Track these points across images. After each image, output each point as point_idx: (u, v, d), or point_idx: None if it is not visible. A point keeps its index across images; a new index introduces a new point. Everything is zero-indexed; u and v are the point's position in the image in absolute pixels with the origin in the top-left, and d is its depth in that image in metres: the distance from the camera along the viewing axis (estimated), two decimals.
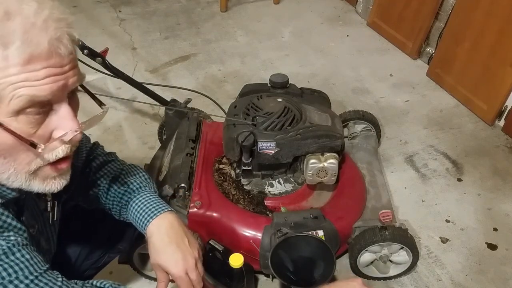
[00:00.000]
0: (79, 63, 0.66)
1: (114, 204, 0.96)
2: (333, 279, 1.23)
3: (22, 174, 0.64)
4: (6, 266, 0.64)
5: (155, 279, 1.37)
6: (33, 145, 0.61)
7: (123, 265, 1.33)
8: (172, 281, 0.90)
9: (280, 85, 1.46)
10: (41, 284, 0.66)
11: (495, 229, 1.60)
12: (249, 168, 1.36)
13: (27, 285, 0.65)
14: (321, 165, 1.28)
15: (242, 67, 2.46)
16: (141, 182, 0.96)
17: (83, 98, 0.70)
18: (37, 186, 0.67)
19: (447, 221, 1.63)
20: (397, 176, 1.80)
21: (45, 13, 0.58)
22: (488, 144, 1.97)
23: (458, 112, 2.15)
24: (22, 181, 0.65)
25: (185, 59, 2.51)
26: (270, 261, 1.07)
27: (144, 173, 1.00)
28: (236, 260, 1.10)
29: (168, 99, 1.65)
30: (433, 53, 2.40)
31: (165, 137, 1.75)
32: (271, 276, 1.36)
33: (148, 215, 0.90)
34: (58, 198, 0.87)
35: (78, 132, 0.64)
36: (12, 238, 0.66)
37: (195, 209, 1.24)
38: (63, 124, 0.63)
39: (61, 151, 0.66)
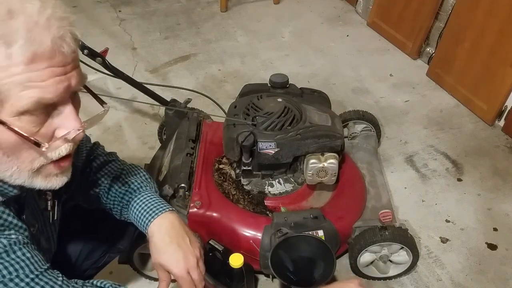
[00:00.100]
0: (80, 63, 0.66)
1: (115, 204, 0.96)
2: (333, 279, 1.23)
3: (25, 172, 0.65)
4: (6, 264, 0.64)
5: (155, 279, 1.38)
6: (37, 144, 0.61)
7: (123, 265, 1.33)
8: (174, 280, 0.90)
9: (280, 85, 1.46)
10: (42, 283, 0.66)
11: (495, 229, 1.60)
12: (249, 168, 1.36)
13: (27, 283, 0.65)
14: (321, 165, 1.28)
15: (242, 67, 2.46)
16: (142, 182, 0.96)
17: (84, 98, 0.70)
18: (39, 183, 0.68)
19: (447, 221, 1.63)
20: (397, 176, 1.80)
21: (48, 12, 0.58)
22: (488, 144, 1.97)
23: (458, 112, 2.15)
24: (25, 179, 0.66)
25: (185, 59, 2.51)
26: (270, 261, 1.07)
27: (145, 173, 1.00)
28: (236, 260, 1.10)
29: (168, 99, 1.65)
30: (433, 53, 2.40)
31: (165, 137, 1.75)
32: (271, 276, 1.36)
33: (149, 215, 0.90)
34: (58, 198, 0.87)
35: (81, 131, 0.65)
36: (13, 236, 0.67)
37: (195, 209, 1.24)
38: (66, 123, 0.64)
39: (64, 149, 0.66)
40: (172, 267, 0.87)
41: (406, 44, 2.53)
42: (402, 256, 1.37)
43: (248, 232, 1.25)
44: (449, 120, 2.10)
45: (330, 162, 1.28)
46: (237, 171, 1.40)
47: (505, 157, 1.90)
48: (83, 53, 1.37)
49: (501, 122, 2.05)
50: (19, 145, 0.61)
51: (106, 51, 1.48)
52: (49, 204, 0.84)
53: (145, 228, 0.90)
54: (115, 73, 1.52)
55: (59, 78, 0.59)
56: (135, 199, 0.93)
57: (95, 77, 1.81)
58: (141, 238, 1.09)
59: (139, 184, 0.96)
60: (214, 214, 1.25)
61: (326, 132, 1.29)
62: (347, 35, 2.76)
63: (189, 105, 1.63)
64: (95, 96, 0.74)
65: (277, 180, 1.39)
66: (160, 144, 1.72)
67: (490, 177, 1.80)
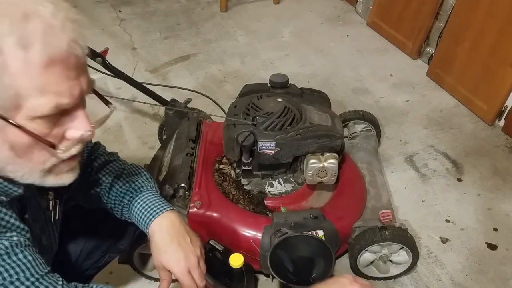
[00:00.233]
0: None
1: (116, 204, 0.96)
2: None
3: (36, 172, 0.65)
4: (8, 267, 0.64)
5: (155, 279, 1.38)
6: (53, 146, 0.62)
7: (123, 265, 1.33)
8: (175, 280, 0.90)
9: (280, 85, 1.46)
10: (42, 287, 0.66)
11: (495, 229, 1.60)
12: (249, 168, 1.36)
13: (27, 287, 0.65)
14: (321, 165, 1.28)
15: (242, 67, 2.46)
16: (142, 182, 0.97)
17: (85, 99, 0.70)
18: (50, 181, 0.68)
19: (447, 221, 1.63)
20: (397, 176, 1.81)
21: (62, 15, 0.58)
22: (488, 144, 1.97)
23: (458, 112, 2.16)
24: (36, 178, 0.66)
25: (185, 59, 2.51)
26: (269, 261, 1.07)
27: (145, 173, 1.00)
28: (236, 260, 1.09)
29: (168, 99, 1.65)
30: (433, 53, 2.40)
31: (165, 137, 1.75)
32: (271, 276, 1.35)
33: (150, 214, 0.90)
34: (60, 197, 0.87)
35: (92, 132, 0.66)
36: (14, 238, 0.67)
37: (195, 209, 1.24)
38: (78, 125, 0.65)
39: (74, 149, 0.67)
40: (173, 266, 0.87)
41: (406, 44, 2.54)
42: (402, 256, 1.37)
43: (248, 232, 1.25)
44: (449, 120, 2.10)
45: (330, 162, 1.28)
46: (237, 171, 1.40)
47: (505, 157, 1.90)
48: None
49: (501, 122, 2.05)
50: (32, 146, 0.62)
51: (106, 51, 1.48)
52: (51, 203, 0.84)
53: (146, 228, 0.90)
54: (115, 73, 1.52)
55: (73, 82, 0.60)
56: (136, 198, 0.93)
57: (95, 77, 1.79)
58: (141, 238, 1.09)
59: (140, 183, 0.96)
60: (214, 214, 1.25)
61: (326, 132, 1.29)
62: (347, 35, 2.76)
63: (189, 105, 1.63)
64: (101, 96, 0.74)
65: (277, 180, 1.39)
66: (160, 144, 1.72)
67: (490, 177, 1.80)
